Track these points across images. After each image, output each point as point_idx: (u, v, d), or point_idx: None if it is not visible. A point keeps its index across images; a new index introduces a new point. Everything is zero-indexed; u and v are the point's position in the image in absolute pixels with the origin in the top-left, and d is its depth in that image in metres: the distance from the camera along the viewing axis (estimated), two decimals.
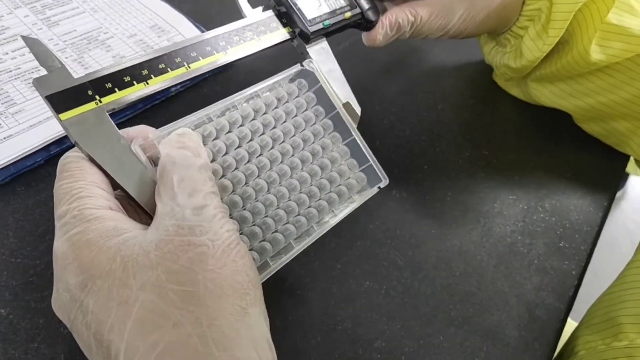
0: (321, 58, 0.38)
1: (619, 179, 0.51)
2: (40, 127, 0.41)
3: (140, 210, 0.29)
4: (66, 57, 0.46)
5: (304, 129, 0.34)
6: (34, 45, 0.28)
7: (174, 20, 0.52)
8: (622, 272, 0.42)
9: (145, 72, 0.31)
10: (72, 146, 0.41)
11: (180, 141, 0.28)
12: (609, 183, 0.50)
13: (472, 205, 0.45)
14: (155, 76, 0.31)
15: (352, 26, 0.41)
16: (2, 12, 0.49)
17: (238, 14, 0.56)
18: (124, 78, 0.30)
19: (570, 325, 0.43)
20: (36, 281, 0.35)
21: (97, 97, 0.29)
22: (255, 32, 0.37)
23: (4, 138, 0.40)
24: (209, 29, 0.52)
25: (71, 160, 0.27)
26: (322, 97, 0.35)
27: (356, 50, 0.55)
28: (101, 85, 0.29)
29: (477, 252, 0.42)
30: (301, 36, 0.37)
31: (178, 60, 0.32)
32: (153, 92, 0.31)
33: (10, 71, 0.44)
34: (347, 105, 0.37)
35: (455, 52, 0.59)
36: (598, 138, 0.52)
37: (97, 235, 0.25)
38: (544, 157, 0.50)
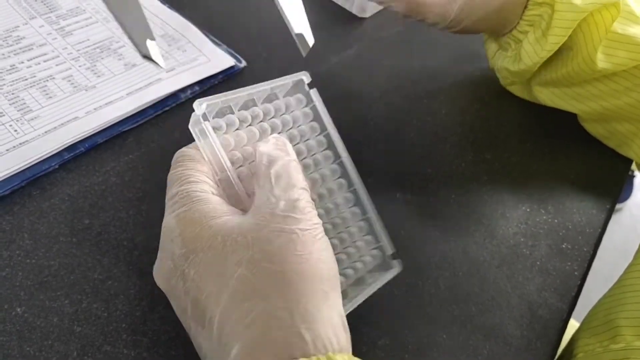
0: None
1: (622, 182, 0.51)
2: (55, 133, 0.42)
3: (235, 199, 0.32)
4: (80, 66, 0.48)
5: (298, 142, 0.36)
6: None
7: (183, 29, 0.53)
8: (621, 275, 0.42)
9: None
10: (85, 152, 0.42)
11: (276, 143, 0.32)
12: (612, 185, 0.50)
13: (475, 208, 0.46)
14: None
15: None
16: (18, 22, 0.51)
17: (245, 25, 0.57)
18: None
19: (574, 326, 0.44)
20: (50, 281, 0.36)
21: None
22: None
23: (20, 144, 0.41)
24: (217, 37, 0.53)
25: (185, 154, 0.32)
26: (317, 116, 0.37)
27: (362, 57, 0.56)
28: None
29: (480, 253, 0.43)
30: None
31: None
32: None
33: (26, 79, 0.46)
34: (300, 37, 0.38)
35: (460, 57, 0.60)
36: (600, 140, 0.53)
37: (201, 215, 0.28)
38: (546, 160, 0.51)
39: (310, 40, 0.38)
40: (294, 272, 0.26)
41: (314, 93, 0.37)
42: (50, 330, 0.34)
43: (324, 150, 0.37)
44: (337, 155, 0.37)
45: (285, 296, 0.26)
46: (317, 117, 0.37)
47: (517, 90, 0.56)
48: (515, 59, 0.49)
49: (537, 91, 0.53)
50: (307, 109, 0.37)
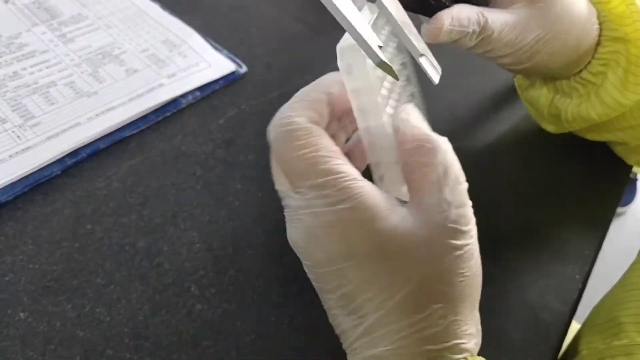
0: (393, 7, 0.32)
1: (624, 185, 0.51)
2: (57, 139, 0.42)
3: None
4: (81, 72, 0.48)
5: None
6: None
7: (184, 34, 0.54)
8: (624, 273, 0.42)
9: None
10: (87, 158, 0.42)
11: (417, 119, 0.28)
12: (614, 189, 0.50)
13: (476, 210, 0.46)
14: None
15: (417, 6, 0.36)
16: (20, 29, 0.51)
17: (245, 30, 0.57)
18: None
19: (575, 329, 0.44)
20: (53, 286, 0.36)
21: None
22: None
23: (23, 150, 0.41)
24: (218, 43, 0.54)
25: (300, 128, 0.26)
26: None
27: None
28: None
29: (481, 256, 0.43)
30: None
31: None
32: None
33: (29, 86, 0.46)
34: (424, 59, 0.33)
35: (459, 61, 0.60)
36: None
37: (365, 216, 0.25)
38: (548, 164, 0.51)
39: (437, 66, 0.33)
40: (455, 292, 0.26)
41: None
42: (53, 334, 0.34)
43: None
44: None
45: (444, 315, 0.26)
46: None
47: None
48: (588, 104, 0.43)
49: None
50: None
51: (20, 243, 0.38)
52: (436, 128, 0.29)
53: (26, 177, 0.40)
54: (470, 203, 0.27)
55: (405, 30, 0.31)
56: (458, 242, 0.26)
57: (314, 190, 0.26)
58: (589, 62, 0.42)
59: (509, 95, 0.57)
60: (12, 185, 0.40)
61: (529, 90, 0.49)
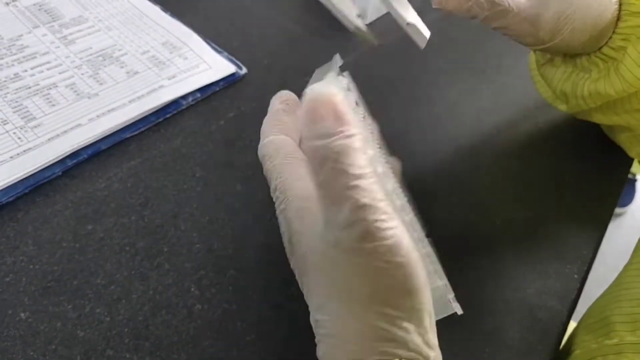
0: None
1: (622, 184, 0.51)
2: (58, 140, 0.43)
3: None
4: (82, 74, 0.48)
5: None
6: None
7: (185, 36, 0.54)
8: (619, 274, 0.42)
9: None
10: (88, 159, 0.43)
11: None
12: (612, 188, 0.51)
13: (475, 210, 0.46)
14: None
15: None
16: (21, 31, 0.52)
17: (246, 32, 0.58)
18: None
19: (573, 327, 0.44)
20: (54, 286, 0.36)
21: None
22: None
23: (24, 151, 0.42)
24: (218, 44, 0.54)
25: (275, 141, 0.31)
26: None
27: (360, 65, 0.56)
28: None
29: (478, 256, 0.43)
30: None
31: None
32: None
33: (30, 87, 0.46)
34: (411, 26, 0.33)
35: (459, 62, 0.60)
36: (604, 130, 0.52)
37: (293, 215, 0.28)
38: (546, 163, 0.51)
39: (426, 32, 0.34)
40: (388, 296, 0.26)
41: (346, 76, 0.32)
42: (53, 335, 0.34)
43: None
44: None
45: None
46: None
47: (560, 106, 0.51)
48: (607, 80, 0.43)
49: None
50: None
51: (21, 244, 0.38)
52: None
53: (27, 178, 0.41)
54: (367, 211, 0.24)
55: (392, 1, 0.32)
56: (365, 245, 0.24)
57: (272, 194, 0.30)
58: (610, 38, 0.41)
59: (509, 96, 0.57)
60: (13, 186, 0.40)
61: (546, 66, 0.48)
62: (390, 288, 0.25)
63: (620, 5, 0.40)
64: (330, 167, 0.23)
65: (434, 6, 0.35)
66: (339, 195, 0.23)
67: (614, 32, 0.41)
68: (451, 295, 0.32)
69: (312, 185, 0.25)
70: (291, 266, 0.30)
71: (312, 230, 0.27)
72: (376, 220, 0.23)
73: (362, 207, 0.23)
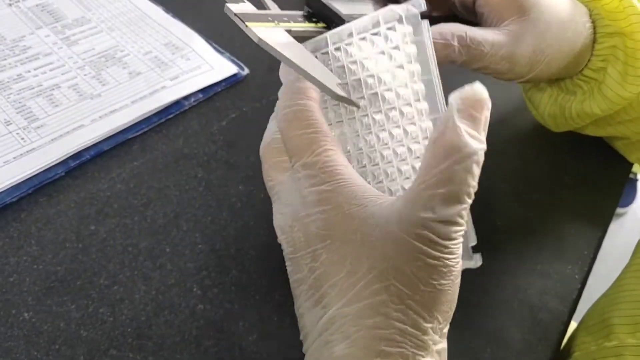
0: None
1: (623, 185, 0.52)
2: (61, 140, 0.43)
3: None
4: (85, 75, 0.49)
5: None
6: None
7: (187, 37, 0.54)
8: (618, 276, 0.43)
9: None
10: (91, 159, 0.43)
11: (473, 121, 0.26)
12: (613, 189, 0.51)
13: (475, 210, 0.46)
14: None
15: None
16: (24, 32, 0.52)
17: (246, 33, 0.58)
18: None
19: (574, 327, 0.44)
20: (57, 286, 0.37)
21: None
22: None
23: (27, 151, 0.42)
24: (220, 45, 0.54)
25: (306, 109, 0.28)
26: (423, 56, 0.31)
27: None
28: None
29: (480, 255, 0.43)
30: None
31: None
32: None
33: (33, 88, 0.47)
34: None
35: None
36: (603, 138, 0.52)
37: (344, 199, 0.27)
38: (547, 164, 0.51)
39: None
40: (422, 299, 0.25)
41: (425, 25, 0.31)
42: (57, 334, 0.34)
43: (417, 101, 0.31)
44: (434, 111, 0.31)
45: (407, 319, 0.25)
46: (421, 58, 0.30)
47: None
48: (592, 100, 0.44)
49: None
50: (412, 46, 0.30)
51: (25, 244, 0.38)
52: None
53: (30, 178, 0.41)
54: (462, 226, 0.26)
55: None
56: (431, 251, 0.25)
57: (305, 169, 0.27)
58: (589, 60, 0.42)
59: (509, 96, 0.57)
60: (17, 186, 0.40)
61: (532, 91, 0.49)
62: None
63: (595, 28, 0.41)
64: None
65: None
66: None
67: (592, 54, 0.42)
68: (473, 243, 0.31)
69: None
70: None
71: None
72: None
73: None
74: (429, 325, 0.25)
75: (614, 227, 0.48)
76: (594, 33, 0.41)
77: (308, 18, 0.33)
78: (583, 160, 0.52)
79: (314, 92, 0.29)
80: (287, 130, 0.28)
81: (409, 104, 0.31)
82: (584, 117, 0.45)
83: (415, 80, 0.31)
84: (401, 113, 0.31)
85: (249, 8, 0.29)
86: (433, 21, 0.37)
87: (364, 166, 0.32)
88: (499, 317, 0.40)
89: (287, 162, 0.30)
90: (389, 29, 0.30)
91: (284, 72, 0.31)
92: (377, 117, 0.31)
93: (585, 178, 0.51)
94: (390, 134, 0.31)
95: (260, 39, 0.27)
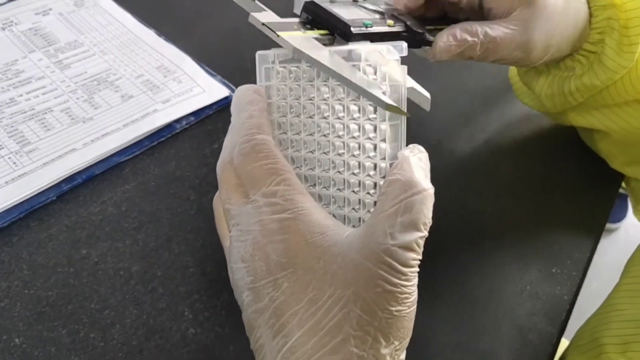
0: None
1: (611, 206, 0.52)
2: (53, 165, 0.43)
3: None
4: (77, 98, 0.49)
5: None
6: None
7: (178, 60, 0.55)
8: (609, 295, 0.43)
9: None
10: (82, 183, 0.43)
11: (420, 159, 0.28)
12: (600, 210, 0.51)
13: (463, 231, 0.47)
14: None
15: (398, 38, 0.36)
16: (17, 56, 0.52)
17: (239, 56, 0.58)
18: None
19: (565, 344, 0.44)
20: (48, 311, 0.37)
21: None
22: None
23: (19, 176, 0.42)
24: (212, 68, 0.55)
25: (263, 143, 0.29)
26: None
27: None
28: None
29: (469, 279, 0.44)
30: (342, 35, 0.33)
31: None
32: None
33: (25, 112, 0.47)
34: (412, 90, 0.33)
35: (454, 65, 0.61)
36: (587, 143, 0.53)
37: (306, 228, 0.27)
38: (535, 185, 0.52)
39: (426, 93, 0.34)
40: (380, 326, 0.26)
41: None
42: None
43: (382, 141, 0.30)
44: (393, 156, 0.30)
45: (364, 344, 0.26)
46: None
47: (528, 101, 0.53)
48: (591, 73, 0.45)
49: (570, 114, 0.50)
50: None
51: (16, 269, 0.38)
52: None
53: (22, 203, 0.41)
54: (419, 256, 0.27)
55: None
56: (390, 277, 0.26)
57: (265, 197, 0.28)
58: (588, 34, 0.43)
59: (509, 97, 0.58)
60: (8, 211, 0.40)
61: (530, 75, 0.50)
62: None
63: (589, 2, 0.43)
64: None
65: (431, 60, 0.38)
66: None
67: (590, 28, 0.43)
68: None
69: None
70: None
71: None
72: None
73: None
74: (387, 351, 0.26)
75: (606, 243, 0.49)
76: (589, 7, 0.43)
77: (304, 25, 0.33)
78: (571, 181, 0.53)
79: (268, 128, 0.30)
80: (244, 163, 0.29)
81: (371, 140, 0.30)
82: (584, 90, 0.46)
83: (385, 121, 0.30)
84: (362, 147, 0.31)
85: (272, 17, 0.29)
86: (426, 22, 0.39)
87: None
88: (488, 339, 0.41)
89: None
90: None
91: (235, 108, 0.32)
92: (337, 142, 0.31)
93: (574, 200, 0.51)
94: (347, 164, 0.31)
95: (294, 48, 0.27)
